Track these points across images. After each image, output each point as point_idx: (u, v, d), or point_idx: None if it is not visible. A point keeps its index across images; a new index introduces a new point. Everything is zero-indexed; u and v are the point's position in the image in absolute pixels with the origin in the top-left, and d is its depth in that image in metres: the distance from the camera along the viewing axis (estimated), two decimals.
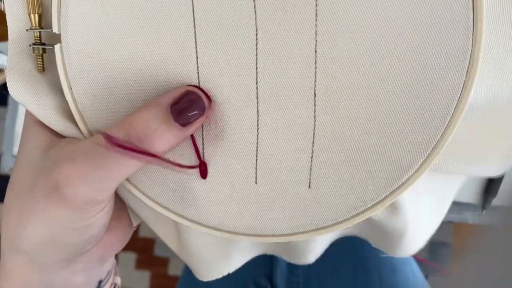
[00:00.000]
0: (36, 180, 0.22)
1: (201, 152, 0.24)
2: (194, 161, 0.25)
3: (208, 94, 0.23)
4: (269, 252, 0.32)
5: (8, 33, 0.24)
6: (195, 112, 0.22)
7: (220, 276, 0.31)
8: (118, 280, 0.31)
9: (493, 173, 0.25)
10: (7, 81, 0.24)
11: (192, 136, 0.24)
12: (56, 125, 0.24)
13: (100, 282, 0.28)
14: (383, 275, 0.48)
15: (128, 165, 0.21)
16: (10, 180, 0.24)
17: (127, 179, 0.25)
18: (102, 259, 0.27)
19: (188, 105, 0.22)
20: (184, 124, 0.22)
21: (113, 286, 0.30)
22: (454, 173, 0.25)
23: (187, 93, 0.22)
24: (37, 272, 0.23)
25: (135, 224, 0.30)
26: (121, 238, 0.28)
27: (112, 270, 0.30)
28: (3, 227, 0.23)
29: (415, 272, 0.52)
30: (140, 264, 1.23)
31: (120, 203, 0.28)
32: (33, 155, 0.23)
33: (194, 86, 0.23)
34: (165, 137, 0.21)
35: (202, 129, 0.24)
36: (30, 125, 0.24)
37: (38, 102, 0.24)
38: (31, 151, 0.23)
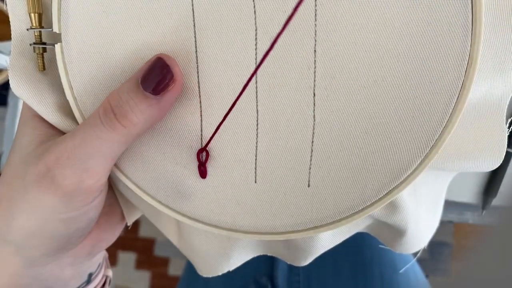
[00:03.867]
0: (28, 168, 0.22)
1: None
2: (194, 160, 0.25)
3: (181, 68, 0.23)
4: (269, 253, 0.32)
5: (11, 32, 0.24)
6: (163, 78, 0.22)
7: (220, 273, 0.32)
8: (109, 273, 0.31)
9: (486, 168, 0.25)
10: (10, 80, 0.24)
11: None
12: (57, 123, 0.24)
13: (90, 275, 0.28)
14: (385, 275, 0.48)
15: (110, 139, 0.21)
16: (2, 172, 0.24)
17: (128, 178, 0.26)
18: (91, 254, 0.27)
19: (156, 72, 0.22)
20: (155, 92, 0.21)
21: (104, 278, 0.30)
22: (449, 169, 0.25)
23: (156, 61, 0.22)
24: (25, 264, 0.23)
25: (129, 222, 0.30)
26: (110, 234, 0.28)
27: (102, 263, 0.30)
28: None
29: (416, 271, 0.52)
30: (140, 264, 1.23)
31: (111, 199, 0.28)
32: (27, 147, 0.23)
33: (166, 55, 0.22)
34: (138, 107, 0.21)
35: (202, 129, 0.24)
36: (29, 118, 0.24)
37: (40, 101, 0.24)
38: (26, 144, 0.24)
